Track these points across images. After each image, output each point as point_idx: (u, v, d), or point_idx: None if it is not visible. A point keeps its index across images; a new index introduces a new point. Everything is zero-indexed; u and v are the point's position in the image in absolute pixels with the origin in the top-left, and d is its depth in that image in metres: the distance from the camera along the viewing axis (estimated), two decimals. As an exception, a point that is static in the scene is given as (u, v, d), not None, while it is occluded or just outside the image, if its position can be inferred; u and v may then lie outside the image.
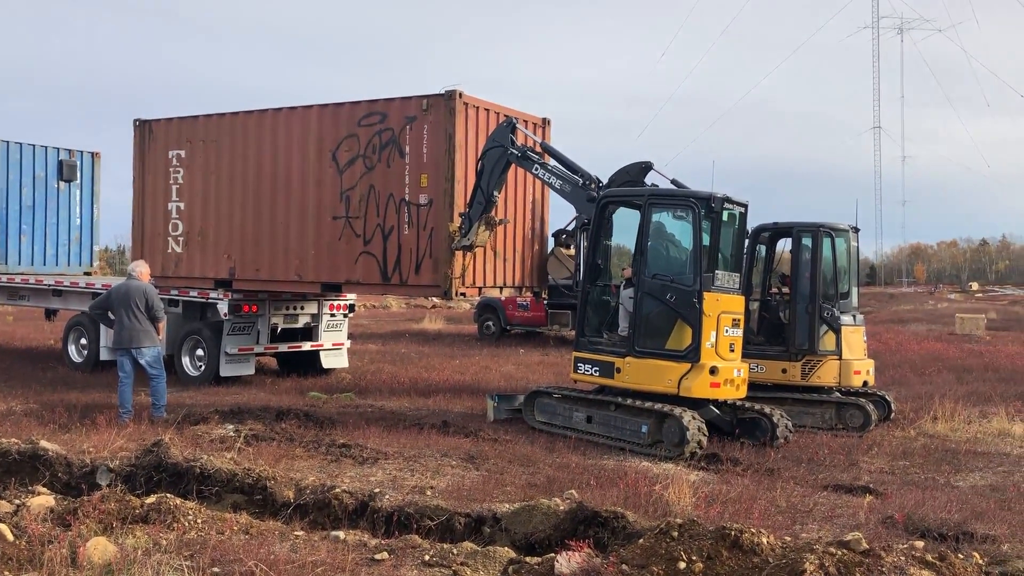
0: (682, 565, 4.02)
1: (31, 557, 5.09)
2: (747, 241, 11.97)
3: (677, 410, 9.00)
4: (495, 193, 11.08)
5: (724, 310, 9.36)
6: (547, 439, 9.64)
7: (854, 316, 11.98)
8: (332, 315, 14.96)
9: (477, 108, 12.14)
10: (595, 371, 9.79)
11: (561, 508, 6.50)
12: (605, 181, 10.43)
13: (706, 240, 9.24)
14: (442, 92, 11.85)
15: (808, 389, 11.60)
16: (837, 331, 11.60)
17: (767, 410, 9.86)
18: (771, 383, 11.82)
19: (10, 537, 5.29)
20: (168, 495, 6.41)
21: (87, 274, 17.93)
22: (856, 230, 12.27)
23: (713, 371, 9.21)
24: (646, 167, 10.56)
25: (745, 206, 9.83)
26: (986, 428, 11.13)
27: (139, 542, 5.49)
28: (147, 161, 14.62)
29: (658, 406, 9.14)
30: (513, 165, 11.11)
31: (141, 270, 10.72)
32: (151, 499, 6.33)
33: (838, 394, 11.63)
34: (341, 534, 6.09)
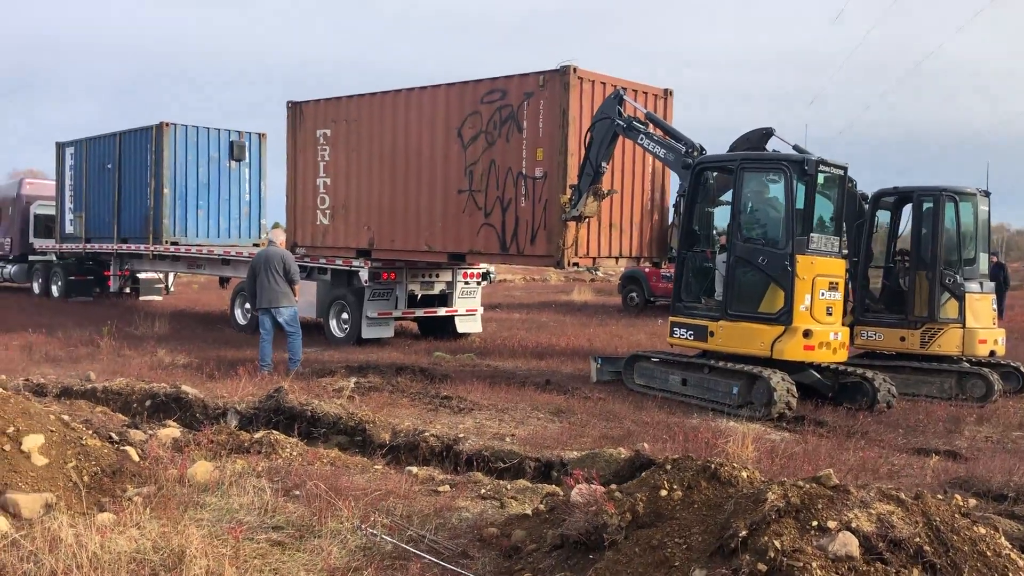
0: (663, 492, 4.40)
1: (150, 475, 6.09)
2: (867, 206, 11.80)
3: (766, 371, 9.13)
4: (603, 164, 11.41)
5: (820, 273, 9.35)
6: (637, 398, 10.01)
7: (981, 283, 11.51)
8: (466, 283, 15.81)
9: (593, 82, 12.48)
10: (689, 335, 10.03)
11: (623, 456, 6.91)
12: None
13: (800, 203, 9.25)
14: (557, 68, 12.28)
15: (928, 358, 11.29)
16: (960, 298, 11.20)
17: (869, 375, 9.77)
18: (890, 351, 11.60)
19: (135, 458, 6.31)
20: (273, 431, 7.33)
21: (256, 246, 19.70)
22: (987, 194, 11.73)
23: (807, 334, 9.25)
24: (767, 133, 10.61)
25: (844, 168, 9.72)
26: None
27: (237, 467, 6.40)
28: (298, 140, 15.95)
29: (747, 367, 9.29)
30: (620, 136, 11.40)
31: (279, 238, 11.89)
32: (259, 434, 7.27)
33: (967, 364, 11.25)
34: (414, 469, 6.79)
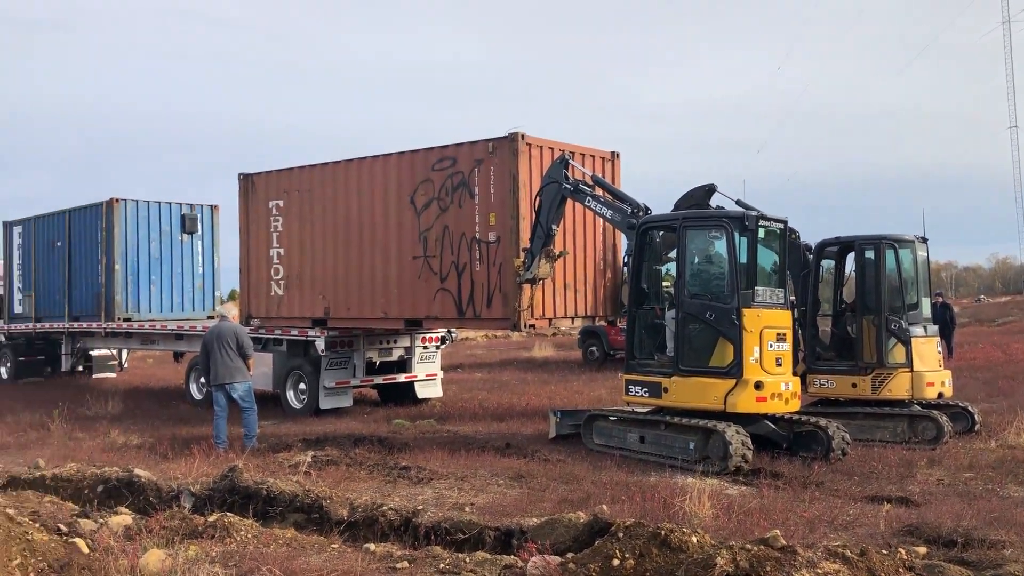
0: (616, 562, 4.43)
1: (100, 567, 5.95)
2: (811, 256, 12.10)
3: (720, 425, 9.24)
4: (553, 227, 11.59)
5: (767, 325, 9.54)
6: (597, 458, 10.03)
7: (925, 327, 11.79)
8: (425, 347, 15.81)
9: (541, 147, 12.72)
10: (644, 392, 10.13)
11: (581, 521, 6.91)
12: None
13: (743, 258, 9.47)
14: (506, 135, 12.52)
15: (880, 403, 11.49)
16: (907, 343, 11.46)
17: (823, 423, 9.91)
18: (842, 398, 11.80)
19: (85, 550, 6.18)
20: (227, 514, 7.23)
21: (210, 318, 19.52)
22: (924, 240, 12.09)
23: (758, 386, 9.39)
24: (710, 190, 10.88)
25: (784, 222, 9.99)
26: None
27: (191, 554, 6.29)
28: (251, 211, 15.96)
29: (702, 422, 9.39)
30: (569, 199, 11.61)
31: (231, 312, 11.84)
32: (213, 517, 7.16)
33: (917, 407, 11.46)
34: (372, 546, 6.72)
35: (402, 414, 14.26)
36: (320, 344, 14.50)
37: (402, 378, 15.66)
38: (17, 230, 22.59)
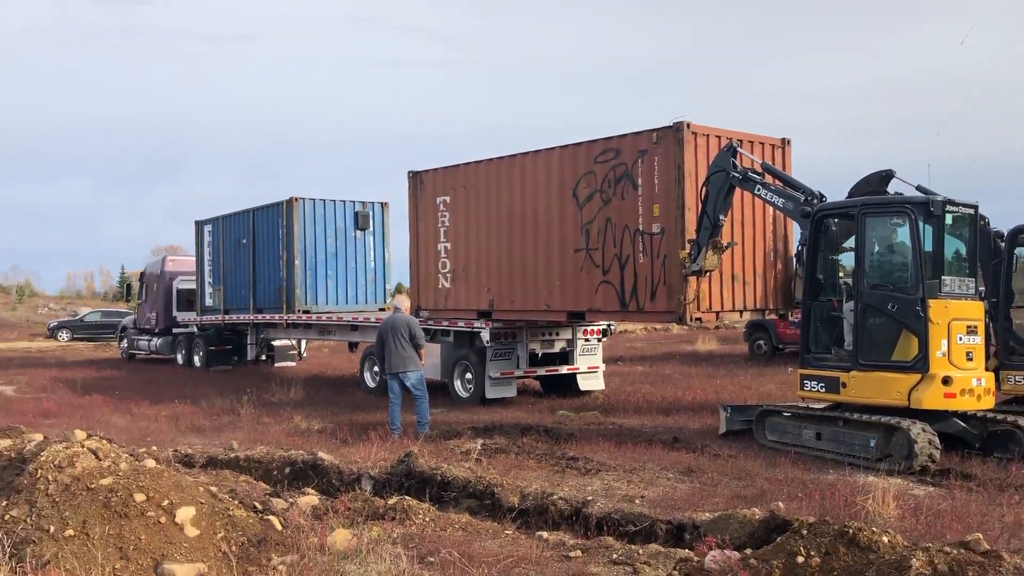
0: (800, 559, 4.30)
1: (292, 543, 6.34)
2: (1004, 244, 11.28)
3: (905, 422, 8.76)
4: (721, 217, 11.32)
5: (956, 317, 8.96)
6: (770, 454, 9.74)
7: None
8: (587, 340, 15.86)
9: (707, 136, 12.46)
10: (820, 387, 9.74)
11: (756, 517, 6.75)
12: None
13: (928, 246, 8.94)
14: (670, 124, 12.35)
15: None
16: (1117, 336, 10.49)
17: (1021, 422, 9.22)
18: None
19: (279, 527, 6.59)
20: (405, 497, 7.52)
21: (382, 310, 20.36)
22: None
23: (946, 381, 8.85)
24: (887, 175, 10.34)
25: (974, 207, 9.34)
26: None
27: (374, 535, 6.59)
28: (419, 207, 16.50)
29: (885, 419, 8.94)
30: (737, 188, 11.32)
31: (404, 304, 12.29)
32: (392, 500, 7.47)
33: None
34: (545, 534, 6.83)
35: (566, 405, 14.36)
36: (485, 335, 14.83)
37: (564, 370, 15.77)
38: (207, 228, 24.35)
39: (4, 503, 6.12)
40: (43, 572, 5.27)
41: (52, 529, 5.64)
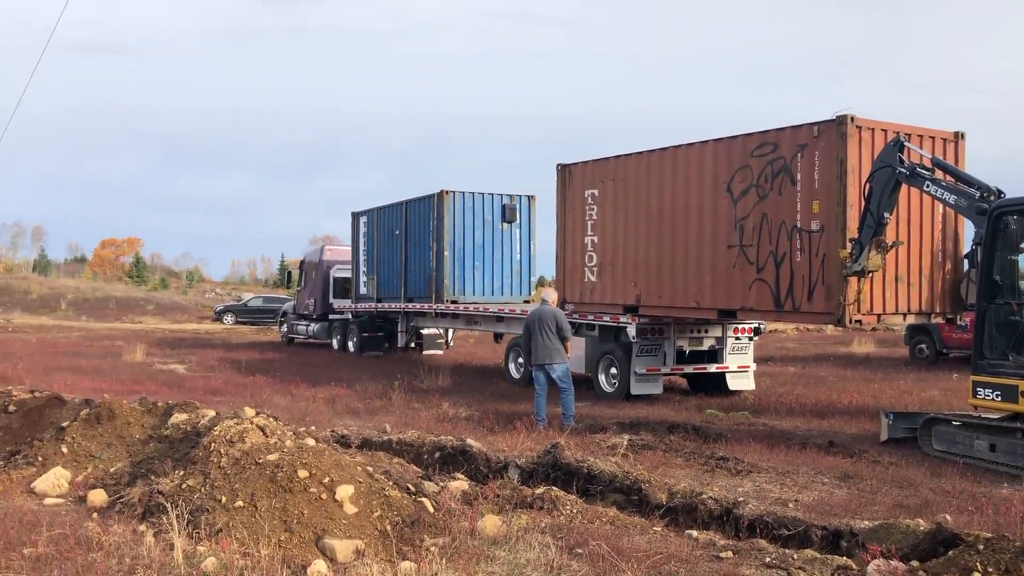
0: (977, 577, 4.03)
1: (443, 526, 6.49)
2: None
3: (1091, 438, 8.08)
4: (886, 215, 10.77)
5: None
6: (933, 463, 9.20)
7: None
8: (737, 338, 15.46)
9: (872, 130, 11.86)
10: (996, 395, 9.11)
11: (922, 528, 6.39)
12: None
13: None
14: (833, 117, 11.84)
15: None
16: None
17: None
18: None
19: (430, 509, 6.77)
20: (553, 488, 7.56)
21: (527, 302, 20.56)
22: None
23: None
24: None
25: None
26: None
27: (523, 522, 6.66)
28: (567, 200, 16.53)
29: (1068, 433, 8.27)
30: (904, 184, 10.73)
31: (551, 296, 12.35)
32: (540, 490, 7.52)
33: None
34: (694, 532, 6.70)
35: (714, 404, 14.05)
36: (631, 331, 14.70)
37: (713, 368, 15.43)
38: (363, 220, 25.28)
39: (182, 472, 6.56)
40: (216, 539, 5.61)
41: (224, 500, 5.99)
